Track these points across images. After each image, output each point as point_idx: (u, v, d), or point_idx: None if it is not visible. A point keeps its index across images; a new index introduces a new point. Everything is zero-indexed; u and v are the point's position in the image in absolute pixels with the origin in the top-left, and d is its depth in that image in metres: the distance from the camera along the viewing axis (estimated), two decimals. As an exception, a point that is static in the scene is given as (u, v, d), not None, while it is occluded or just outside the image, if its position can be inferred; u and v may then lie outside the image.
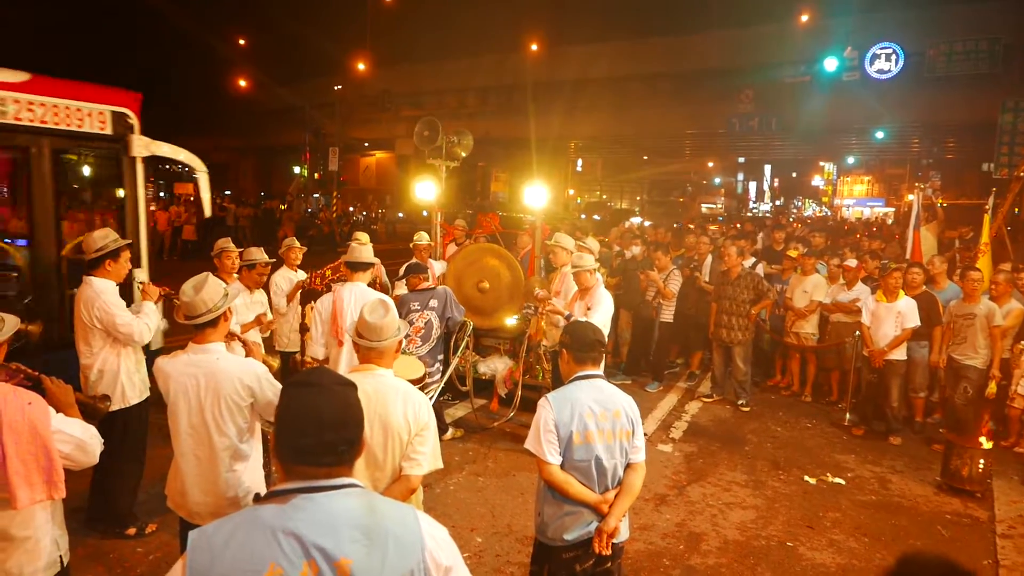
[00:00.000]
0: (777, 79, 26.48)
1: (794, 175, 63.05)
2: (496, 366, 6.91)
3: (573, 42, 32.65)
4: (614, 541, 2.84)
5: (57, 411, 2.45)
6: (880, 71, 23.31)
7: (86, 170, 6.60)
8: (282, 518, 1.39)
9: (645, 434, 6.37)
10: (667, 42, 30.60)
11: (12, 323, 2.57)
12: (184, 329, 3.00)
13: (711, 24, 29.83)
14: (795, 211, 54.29)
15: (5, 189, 7.03)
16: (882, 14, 24.84)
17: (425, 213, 9.47)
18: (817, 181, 59.13)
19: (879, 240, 12.13)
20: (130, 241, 4.26)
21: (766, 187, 62.22)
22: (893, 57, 23.05)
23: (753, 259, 8.72)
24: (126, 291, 4.52)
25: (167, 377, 2.86)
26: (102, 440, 2.55)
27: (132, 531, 4.37)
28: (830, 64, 23.90)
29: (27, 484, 2.33)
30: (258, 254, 5.44)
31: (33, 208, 5.11)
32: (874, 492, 5.52)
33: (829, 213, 49.31)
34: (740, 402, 7.46)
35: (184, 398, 2.83)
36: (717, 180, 55.58)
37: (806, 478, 5.72)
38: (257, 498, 1.50)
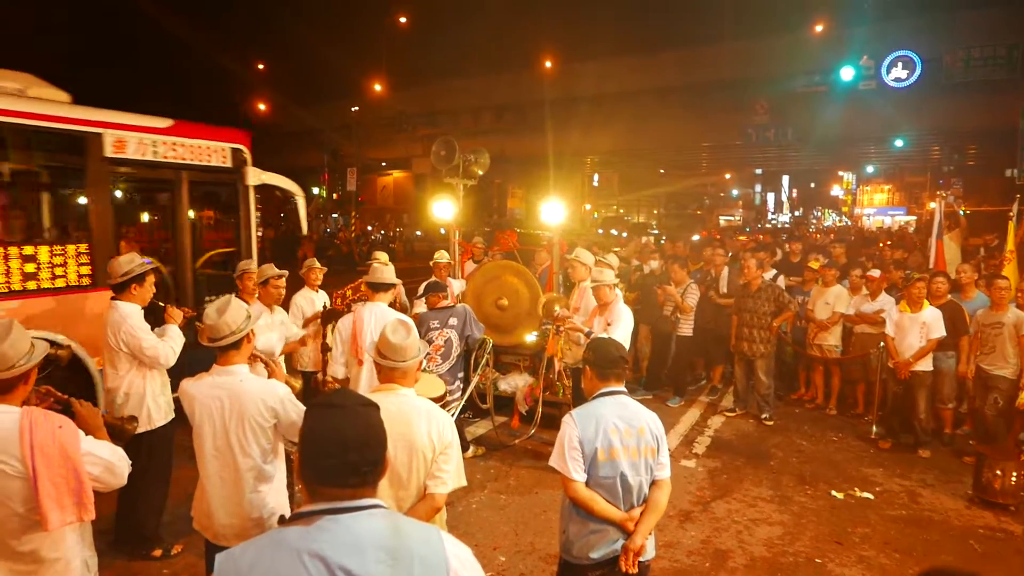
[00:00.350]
0: (792, 89, 26.41)
1: (812, 185, 62.62)
2: (516, 383, 6.90)
3: (586, 58, 32.83)
4: (640, 559, 2.81)
5: (86, 434, 2.49)
6: (897, 79, 23.16)
7: (211, 197, 7.61)
8: (307, 540, 1.40)
9: (668, 449, 6.38)
10: (679, 55, 30.68)
11: (41, 349, 2.62)
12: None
13: (723, 36, 29.88)
14: (814, 221, 53.83)
15: (154, 215, 8.20)
16: (897, 22, 24.75)
17: (443, 231, 9.59)
18: (836, 191, 58.63)
19: (901, 249, 11.99)
20: (156, 265, 4.33)
21: (784, 198, 61.81)
22: (910, 65, 22.91)
23: (774, 271, 8.65)
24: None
25: (192, 399, 2.90)
26: (130, 462, 2.58)
27: (158, 552, 4.40)
28: (846, 73, 23.81)
29: (58, 506, 2.37)
30: (269, 269, 5.49)
31: (175, 230, 6.51)
32: (904, 506, 5.41)
33: (849, 223, 48.83)
34: (764, 416, 7.38)
35: (209, 420, 2.86)
36: (735, 192, 55.37)
37: (833, 493, 5.62)
38: (282, 520, 1.51)
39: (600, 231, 28.46)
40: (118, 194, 6.67)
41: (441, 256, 7.53)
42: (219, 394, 2.86)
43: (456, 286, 7.41)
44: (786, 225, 44.08)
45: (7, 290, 5.24)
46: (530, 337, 6.92)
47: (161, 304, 4.44)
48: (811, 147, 32.68)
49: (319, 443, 1.49)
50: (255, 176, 6.95)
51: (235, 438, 2.84)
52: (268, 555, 1.40)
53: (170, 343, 4.25)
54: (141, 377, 4.24)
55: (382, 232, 32.63)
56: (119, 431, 2.80)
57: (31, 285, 5.39)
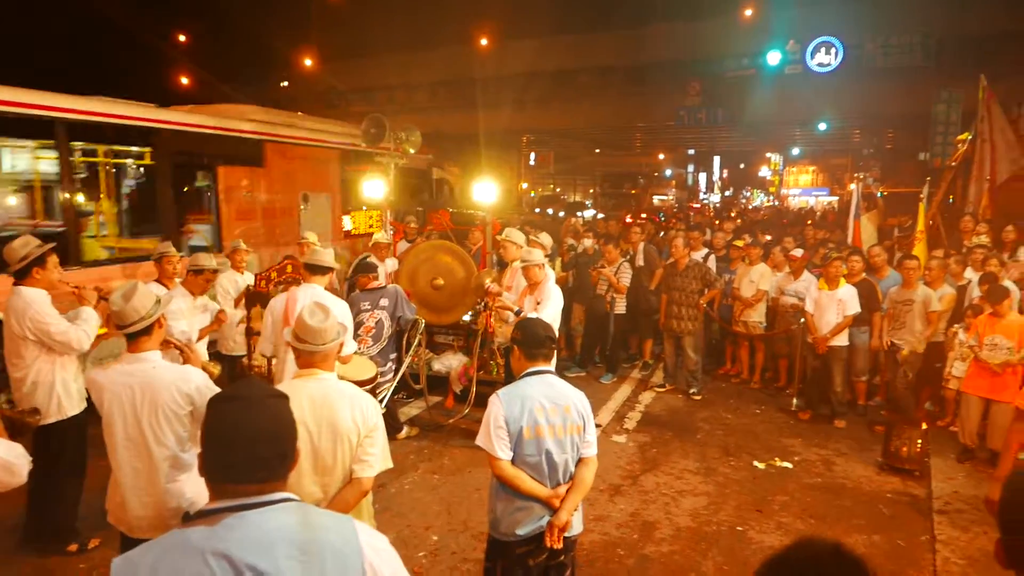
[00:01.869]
0: (723, 72, 27.01)
1: (742, 166, 64.41)
2: (450, 363, 6.90)
3: (524, 36, 32.65)
4: (566, 535, 2.86)
5: None
6: (821, 64, 23.96)
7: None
8: (212, 540, 1.34)
9: (599, 425, 6.52)
10: (617, 36, 30.82)
11: None
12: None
13: (660, 17, 30.14)
14: (743, 201, 55.45)
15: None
16: (822, 8, 25.49)
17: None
18: (764, 172, 60.52)
19: (824, 230, 12.48)
20: (54, 244, 4.08)
21: (715, 178, 63.40)
22: (833, 51, 23.73)
23: (706, 250, 8.88)
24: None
25: (100, 388, 2.76)
26: (30, 458, 2.44)
27: (74, 547, 4.21)
28: (773, 58, 24.50)
29: None
30: (206, 260, 5.25)
31: None
32: (820, 475, 5.69)
33: (777, 203, 50.52)
34: (692, 391, 7.61)
35: (119, 408, 2.74)
36: (668, 172, 56.38)
37: (755, 463, 5.86)
38: (186, 519, 1.45)
39: (537, 210, 28.57)
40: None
41: (381, 237, 7.41)
42: (130, 382, 2.74)
43: (389, 266, 7.31)
44: (716, 205, 45.27)
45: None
46: (466, 317, 6.90)
47: (72, 286, 4.20)
48: (741, 129, 33.60)
49: (224, 437, 1.43)
50: None
51: (148, 427, 2.72)
52: (170, 558, 1.34)
53: (83, 326, 4.02)
54: (50, 364, 4.01)
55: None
56: (19, 425, 2.65)
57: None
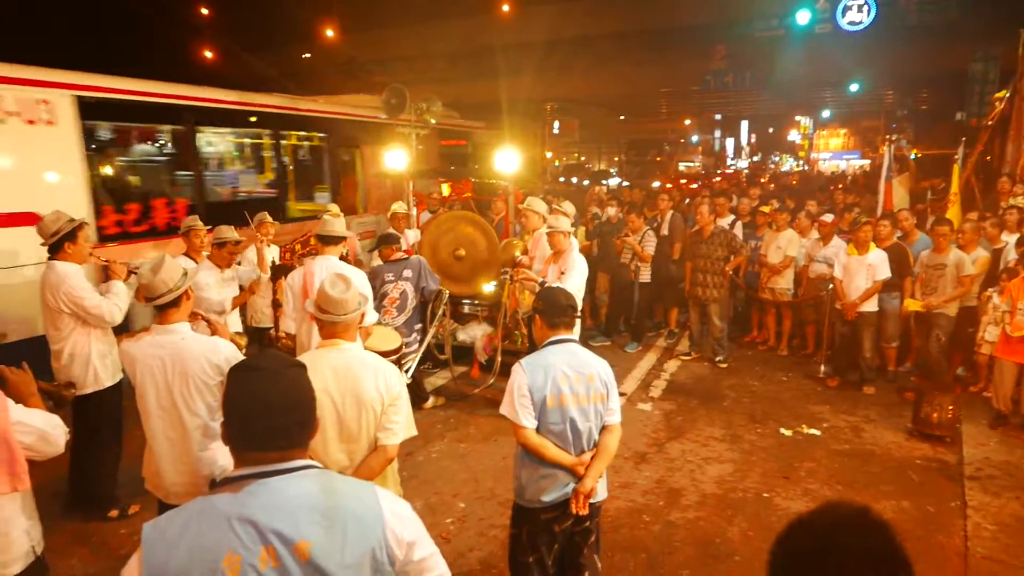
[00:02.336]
0: (749, 34, 26.31)
1: (771, 131, 63.00)
2: (475, 333, 6.93)
3: (543, 2, 32.08)
4: (591, 501, 2.89)
5: (17, 402, 2.41)
6: (852, 23, 23.18)
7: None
8: (236, 505, 1.37)
9: (625, 394, 6.53)
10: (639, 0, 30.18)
11: None
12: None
13: (682, -21, 29.38)
14: (772, 166, 54.40)
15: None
16: (854, -36, 24.64)
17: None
18: (794, 136, 59.20)
19: (853, 194, 12.22)
20: (84, 220, 4.16)
21: (743, 143, 62.22)
22: (865, 8, 22.93)
23: (732, 217, 8.75)
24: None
25: (133, 360, 2.83)
26: (67, 429, 2.52)
27: (114, 513, 4.36)
28: (802, 17, 23.75)
29: None
30: (228, 232, 5.31)
31: None
32: (848, 441, 5.65)
33: (806, 167, 49.51)
34: (718, 359, 7.56)
35: (151, 379, 2.80)
36: (695, 138, 55.46)
37: (782, 430, 5.83)
38: (212, 485, 1.48)
39: (561, 179, 28.34)
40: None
41: (399, 207, 7.42)
42: (160, 353, 2.80)
43: (411, 237, 7.33)
44: (744, 171, 44.50)
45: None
46: (488, 287, 6.92)
47: (103, 260, 4.28)
48: (769, 92, 32.84)
49: (244, 407, 1.46)
50: None
51: (179, 397, 2.79)
52: (196, 523, 1.37)
53: (115, 300, 4.12)
54: (85, 336, 4.12)
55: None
56: (57, 397, 2.74)
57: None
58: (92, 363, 4.14)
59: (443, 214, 7.68)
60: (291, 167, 9.38)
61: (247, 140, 9.28)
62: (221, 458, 2.88)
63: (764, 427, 5.92)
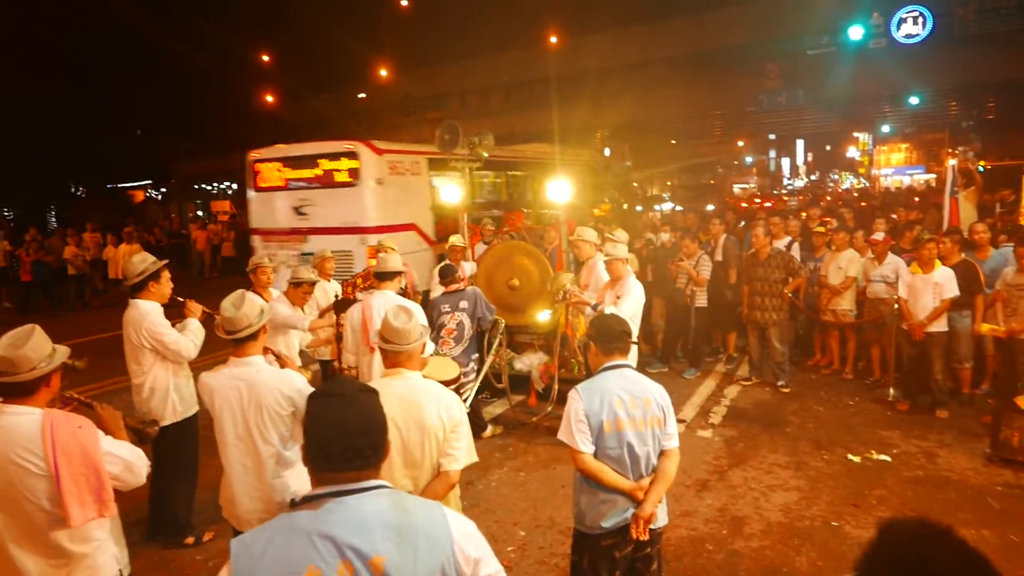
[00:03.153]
0: (801, 51, 25.88)
1: (828, 148, 61.59)
2: (531, 362, 6.98)
3: (592, 31, 32.42)
4: (652, 527, 2.89)
5: (107, 434, 2.60)
6: (908, 35, 22.60)
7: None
8: (316, 522, 1.48)
9: (684, 420, 6.46)
10: (687, 22, 30.14)
11: (62, 353, 2.70)
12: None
13: (729, 1, 29.22)
14: (831, 184, 53.03)
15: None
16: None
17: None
18: (852, 152, 57.65)
19: (916, 210, 11.84)
20: (167, 260, 4.45)
21: (800, 162, 60.95)
22: (921, 20, 22.35)
23: (789, 238, 8.61)
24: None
25: (212, 391, 3.01)
26: (148, 462, 2.69)
27: (191, 540, 4.57)
28: (855, 32, 23.28)
29: (79, 503, 2.47)
30: (305, 273, 5.55)
31: None
32: (921, 467, 5.44)
33: (867, 184, 48.06)
34: (779, 383, 7.40)
35: (228, 409, 2.97)
36: (749, 159, 54.65)
37: (850, 456, 5.66)
38: (292, 504, 1.60)
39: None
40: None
41: (456, 240, 7.60)
42: (237, 384, 2.97)
43: (467, 268, 7.48)
44: (798, 191, 43.49)
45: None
46: (543, 316, 6.98)
47: (180, 299, 4.55)
48: (824, 109, 32.14)
49: (322, 431, 1.58)
50: None
51: (254, 426, 2.94)
52: (279, 538, 1.48)
53: (191, 336, 4.36)
54: (165, 371, 4.36)
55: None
56: (141, 434, 2.93)
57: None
58: (171, 396, 4.38)
59: (497, 245, 7.82)
60: (511, 194, 13.29)
61: (496, 178, 13.23)
62: (292, 484, 3.02)
63: (831, 453, 5.76)
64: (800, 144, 59.51)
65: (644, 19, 31.36)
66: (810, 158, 62.47)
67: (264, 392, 2.94)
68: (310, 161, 10.42)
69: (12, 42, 28.36)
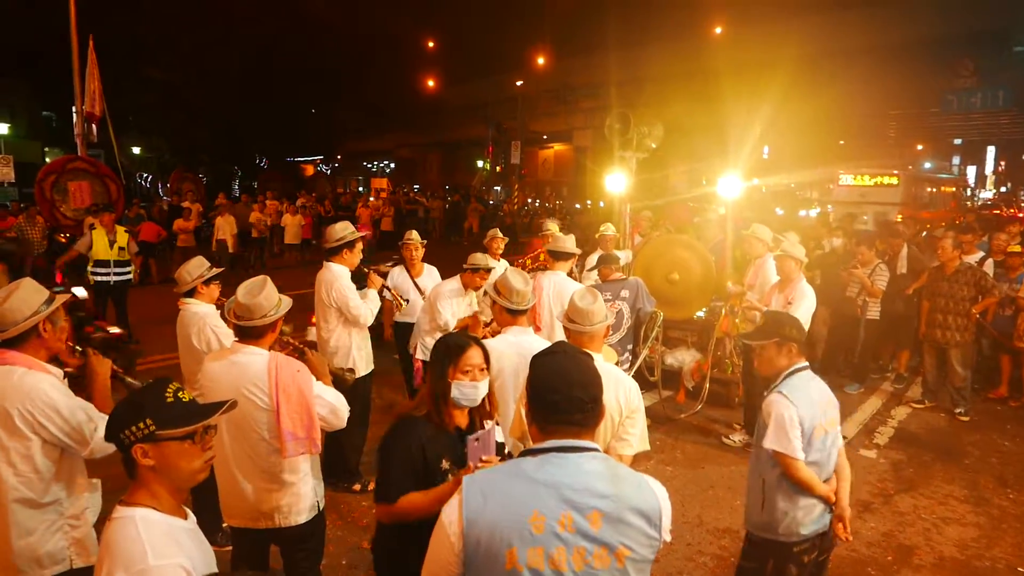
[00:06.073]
0: (1006, 47, 23.09)
1: (1024, 157, 54.72)
2: (683, 358, 6.88)
3: (759, 22, 30.83)
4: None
5: (316, 379, 2.88)
6: None
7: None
8: (542, 472, 1.60)
9: (846, 437, 6.09)
10: (868, 12, 27.82)
11: (287, 303, 3.00)
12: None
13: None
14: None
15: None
16: None
17: (602, 204, 10.00)
18: (1055, 162, 50.87)
19: None
20: (365, 234, 4.81)
21: (988, 171, 54.68)
22: None
23: (981, 254, 7.81)
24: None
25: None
26: (348, 408, 2.96)
27: (357, 487, 4.97)
28: (1078, 26, 20.48)
29: (293, 438, 2.79)
30: (482, 260, 5.53)
31: None
32: None
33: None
34: (958, 410, 6.77)
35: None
36: (927, 165, 49.80)
37: (1042, 499, 5.11)
38: (521, 454, 1.72)
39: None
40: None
41: (608, 228, 7.59)
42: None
43: (622, 258, 7.45)
44: (987, 202, 39.09)
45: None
46: (700, 313, 6.84)
47: (366, 270, 4.91)
48: (1026, 113, 28.56)
49: (547, 381, 1.69)
50: None
51: None
52: (508, 481, 1.62)
53: (370, 304, 4.72)
54: (347, 331, 4.75)
55: (539, 204, 33.17)
56: (341, 380, 3.22)
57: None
58: (352, 354, 4.77)
59: (657, 238, 7.73)
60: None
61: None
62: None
63: (1018, 493, 5.22)
64: (991, 151, 53.35)
65: (821, 8, 29.36)
66: (1002, 166, 55.84)
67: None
68: None
69: (208, 21, 31.59)
